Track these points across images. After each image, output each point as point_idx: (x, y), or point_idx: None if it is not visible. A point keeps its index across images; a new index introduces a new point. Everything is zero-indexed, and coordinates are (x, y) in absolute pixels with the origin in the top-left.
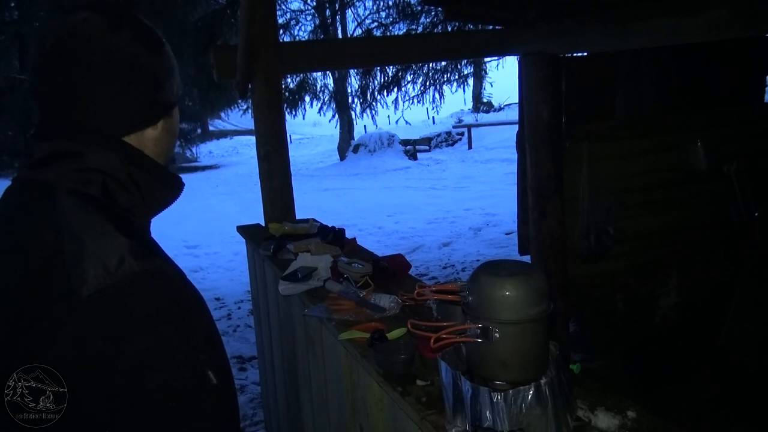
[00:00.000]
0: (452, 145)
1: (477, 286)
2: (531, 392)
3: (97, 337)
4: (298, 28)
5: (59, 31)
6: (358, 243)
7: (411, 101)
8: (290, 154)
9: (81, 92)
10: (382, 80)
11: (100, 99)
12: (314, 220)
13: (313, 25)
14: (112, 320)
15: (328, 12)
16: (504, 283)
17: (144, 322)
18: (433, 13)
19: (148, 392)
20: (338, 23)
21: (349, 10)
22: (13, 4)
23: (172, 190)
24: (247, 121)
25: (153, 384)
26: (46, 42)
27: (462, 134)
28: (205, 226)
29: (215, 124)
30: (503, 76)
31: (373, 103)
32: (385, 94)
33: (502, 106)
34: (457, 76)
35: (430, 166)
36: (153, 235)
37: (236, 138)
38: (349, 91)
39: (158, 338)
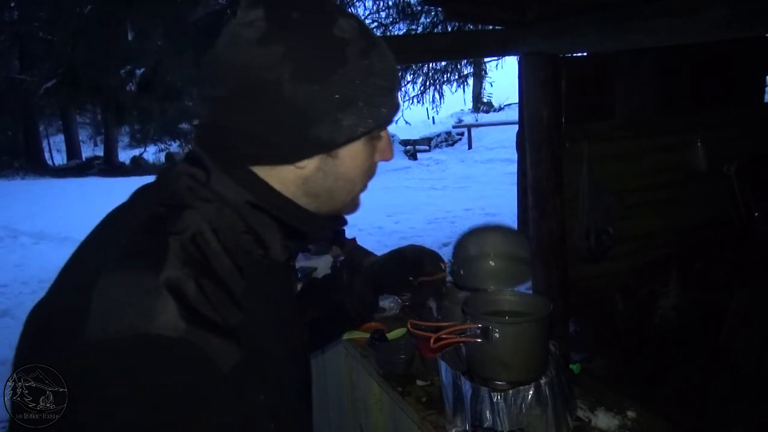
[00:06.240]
0: (452, 145)
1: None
2: (531, 392)
3: None
4: None
5: (223, 31)
6: (358, 243)
7: (411, 101)
8: None
9: (216, 110)
10: None
11: (231, 122)
12: None
13: None
14: None
15: None
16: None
17: None
18: (433, 13)
19: None
20: None
21: (349, 10)
22: (13, 4)
23: (299, 239)
24: None
25: None
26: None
27: (462, 134)
28: None
29: None
30: (503, 76)
31: None
32: None
33: (502, 106)
34: (457, 76)
35: (430, 166)
36: None
37: None
38: None
39: None
